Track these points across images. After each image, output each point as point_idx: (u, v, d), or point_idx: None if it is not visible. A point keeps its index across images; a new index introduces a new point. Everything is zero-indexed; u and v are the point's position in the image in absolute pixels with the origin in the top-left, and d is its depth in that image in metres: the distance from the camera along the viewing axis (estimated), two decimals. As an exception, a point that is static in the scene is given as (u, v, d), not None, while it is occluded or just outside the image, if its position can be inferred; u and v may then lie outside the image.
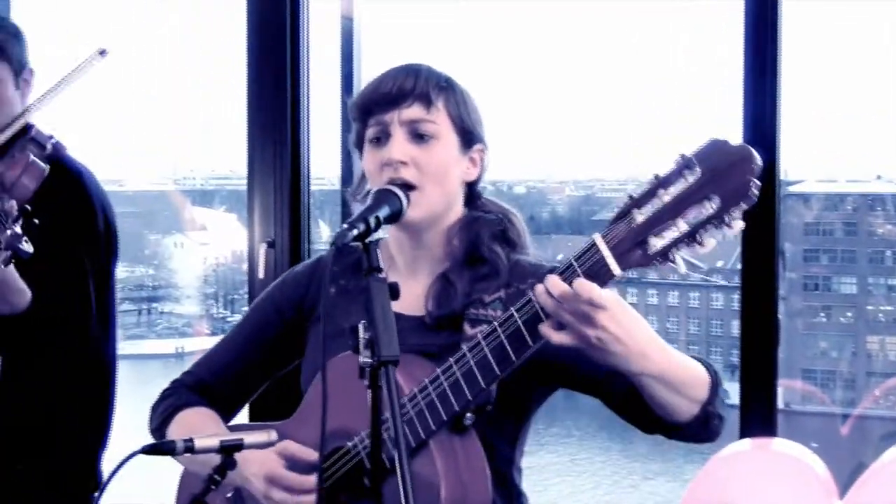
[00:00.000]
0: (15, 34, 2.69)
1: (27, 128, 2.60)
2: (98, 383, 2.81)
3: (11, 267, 2.39)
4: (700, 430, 1.91)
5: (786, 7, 3.25)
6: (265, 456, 2.04)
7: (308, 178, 3.76)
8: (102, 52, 2.60)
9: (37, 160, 2.53)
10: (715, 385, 1.89)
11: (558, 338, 1.79)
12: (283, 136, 3.70)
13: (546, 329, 1.80)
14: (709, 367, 1.91)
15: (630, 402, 1.94)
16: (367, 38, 3.79)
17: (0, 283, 2.42)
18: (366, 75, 3.71)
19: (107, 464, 2.83)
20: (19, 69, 2.69)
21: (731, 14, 3.34)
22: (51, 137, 2.63)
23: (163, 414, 2.27)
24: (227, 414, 2.29)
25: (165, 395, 2.31)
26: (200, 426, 2.18)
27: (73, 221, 2.65)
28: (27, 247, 2.27)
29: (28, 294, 2.49)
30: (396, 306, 2.05)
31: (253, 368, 2.29)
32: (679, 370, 1.84)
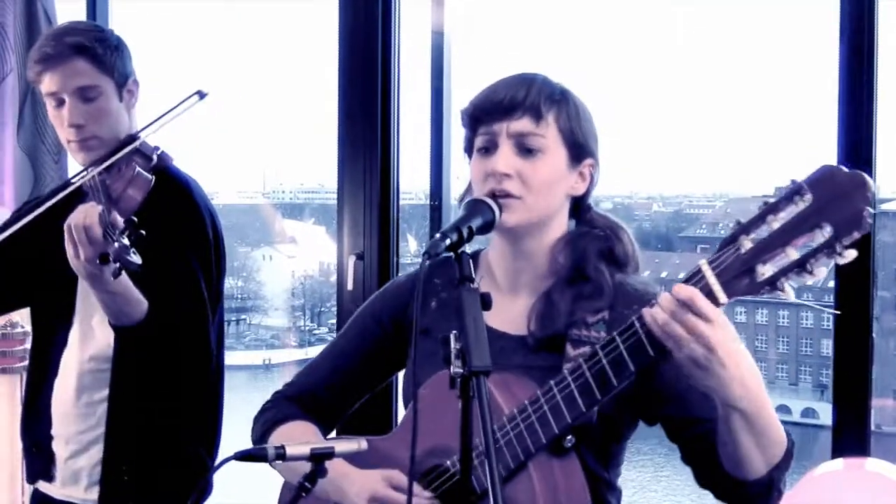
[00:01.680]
0: (117, 46, 2.71)
1: (133, 139, 2.65)
2: (212, 391, 2.82)
3: (125, 278, 2.41)
4: (761, 493, 1.86)
5: (882, 22, 3.20)
6: (369, 476, 2.04)
7: (397, 191, 3.78)
8: (202, 95, 2.65)
9: (142, 171, 2.57)
10: (788, 455, 1.86)
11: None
12: (373, 150, 3.73)
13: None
14: (789, 434, 1.87)
15: (700, 447, 1.91)
16: (457, 53, 3.81)
17: (115, 294, 2.45)
18: (456, 89, 3.73)
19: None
20: (122, 81, 2.71)
21: (826, 29, 3.30)
22: (157, 148, 2.68)
23: (263, 426, 2.26)
24: (327, 426, 2.28)
25: (266, 407, 2.31)
26: (299, 439, 2.15)
27: (184, 230, 2.67)
28: (135, 258, 2.28)
29: (144, 304, 2.51)
30: (499, 324, 2.05)
31: (352, 381, 2.28)
32: (768, 417, 1.80)
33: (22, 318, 3.61)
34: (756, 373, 1.77)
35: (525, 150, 1.99)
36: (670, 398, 1.92)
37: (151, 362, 2.60)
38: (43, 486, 2.81)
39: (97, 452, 2.70)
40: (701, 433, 1.91)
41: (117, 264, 2.27)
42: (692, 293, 1.70)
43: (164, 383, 2.67)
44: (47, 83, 2.66)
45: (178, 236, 2.63)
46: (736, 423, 1.78)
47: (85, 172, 2.63)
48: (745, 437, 1.79)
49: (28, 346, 3.14)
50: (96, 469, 2.70)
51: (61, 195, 2.61)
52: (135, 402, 2.68)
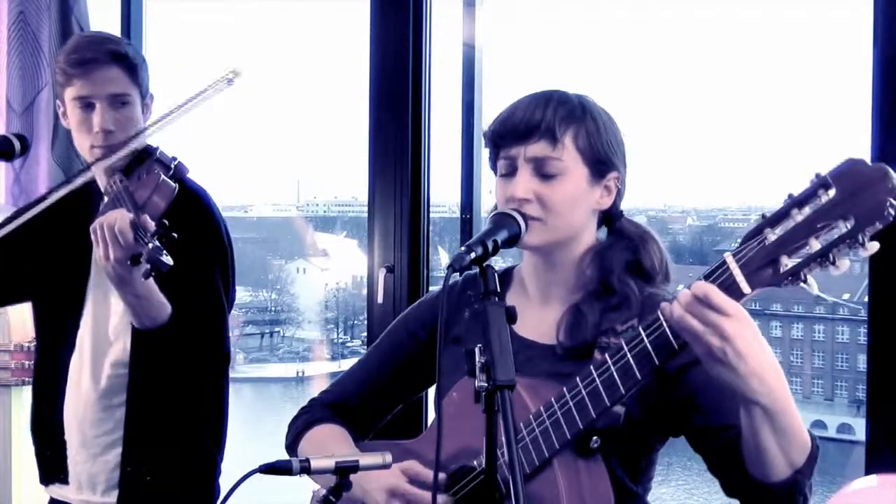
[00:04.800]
0: (143, 60, 2.78)
1: (151, 150, 2.67)
2: (222, 395, 2.87)
3: (151, 281, 2.45)
4: (785, 497, 1.83)
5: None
6: (387, 471, 2.04)
7: (428, 204, 3.78)
8: (230, 80, 2.66)
9: (166, 179, 2.60)
10: (812, 459, 1.83)
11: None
12: (404, 163, 3.73)
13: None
14: (814, 438, 1.85)
15: (726, 456, 1.90)
16: (488, 66, 3.81)
17: (141, 297, 2.49)
18: (487, 102, 3.73)
19: (226, 482, 2.87)
20: (144, 93, 2.76)
21: (860, 39, 3.28)
22: (174, 159, 2.70)
23: (296, 430, 2.30)
24: (361, 433, 2.31)
25: (302, 412, 2.35)
26: (329, 442, 2.20)
27: (204, 237, 2.72)
28: (167, 259, 2.31)
29: (168, 308, 2.55)
30: (529, 334, 2.07)
31: (386, 390, 2.32)
32: (790, 415, 1.78)
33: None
34: (777, 370, 1.76)
35: (543, 174, 2.00)
36: (696, 407, 1.93)
37: (170, 364, 2.64)
38: (57, 490, 2.83)
39: (114, 456, 2.73)
40: (726, 441, 1.90)
41: (149, 265, 2.30)
42: (707, 289, 1.71)
43: (182, 384, 2.72)
44: (78, 87, 2.68)
45: (198, 243, 2.67)
46: (756, 418, 1.77)
47: (87, 171, 2.66)
48: (766, 435, 1.78)
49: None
50: (114, 473, 2.73)
51: (65, 191, 2.62)
52: (154, 404, 2.71)
